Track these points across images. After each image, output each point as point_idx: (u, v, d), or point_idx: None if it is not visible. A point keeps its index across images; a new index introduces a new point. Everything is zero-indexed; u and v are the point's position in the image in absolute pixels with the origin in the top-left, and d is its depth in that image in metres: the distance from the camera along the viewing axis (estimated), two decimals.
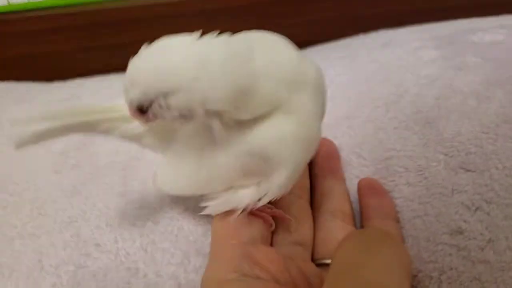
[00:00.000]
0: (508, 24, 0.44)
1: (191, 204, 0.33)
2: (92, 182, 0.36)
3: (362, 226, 0.31)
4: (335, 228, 0.29)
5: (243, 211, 0.26)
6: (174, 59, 0.22)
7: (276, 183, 0.25)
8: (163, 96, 0.22)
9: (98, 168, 0.37)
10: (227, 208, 0.26)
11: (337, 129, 0.37)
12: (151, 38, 0.55)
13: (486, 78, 0.36)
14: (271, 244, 0.29)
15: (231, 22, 0.55)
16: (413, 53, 0.42)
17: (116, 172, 0.36)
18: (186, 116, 0.22)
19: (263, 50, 0.24)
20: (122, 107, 0.26)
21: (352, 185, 0.33)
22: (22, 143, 0.26)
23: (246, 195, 0.26)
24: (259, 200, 0.26)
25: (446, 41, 0.43)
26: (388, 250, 0.21)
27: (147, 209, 0.34)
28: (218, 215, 0.27)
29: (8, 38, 0.51)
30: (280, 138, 0.23)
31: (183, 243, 0.32)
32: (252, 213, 0.27)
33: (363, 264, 0.20)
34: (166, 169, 0.29)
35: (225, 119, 0.23)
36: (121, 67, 0.52)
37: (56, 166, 0.37)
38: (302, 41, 0.54)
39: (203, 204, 0.27)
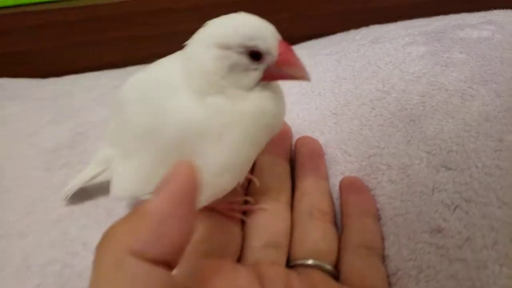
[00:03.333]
0: (496, 20, 0.44)
1: None
2: None
3: (342, 224, 0.31)
4: (311, 228, 0.30)
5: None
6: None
7: None
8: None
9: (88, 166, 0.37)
10: None
11: (324, 126, 0.38)
12: (145, 33, 0.56)
13: (471, 75, 0.37)
14: (243, 248, 0.29)
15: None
16: (402, 49, 0.42)
17: None
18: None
19: None
20: None
21: (337, 182, 0.34)
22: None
23: None
24: None
25: (435, 37, 0.43)
26: None
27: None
28: None
29: (0, 34, 0.52)
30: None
31: None
32: (222, 212, 0.29)
33: None
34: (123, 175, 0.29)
35: None
36: (116, 63, 0.53)
37: (47, 164, 0.38)
38: (294, 37, 0.55)
39: None
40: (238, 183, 0.28)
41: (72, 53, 0.55)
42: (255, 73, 0.25)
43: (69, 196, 0.34)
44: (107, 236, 0.19)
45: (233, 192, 0.31)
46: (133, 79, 0.28)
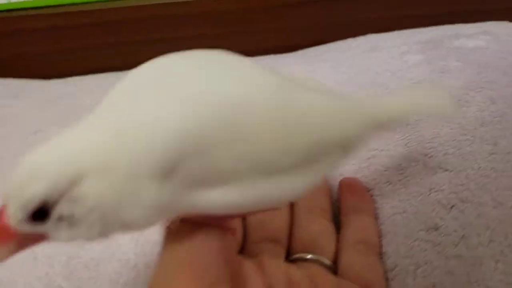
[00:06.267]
0: (491, 31, 0.46)
1: None
2: None
3: (340, 221, 0.32)
4: (311, 224, 0.30)
5: None
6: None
7: None
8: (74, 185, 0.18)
9: None
10: None
11: None
12: (148, 38, 0.57)
13: (466, 83, 0.38)
14: (244, 243, 0.30)
15: (221, 27, 0.57)
16: (399, 57, 0.44)
17: None
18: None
19: None
20: None
21: (336, 183, 0.35)
22: None
23: None
24: None
25: (431, 46, 0.44)
26: None
27: None
28: None
29: (4, 37, 0.53)
30: None
31: None
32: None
33: None
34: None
35: None
36: (119, 66, 0.54)
37: None
38: (291, 45, 0.56)
39: None
40: None
41: (77, 57, 0.55)
42: None
43: None
44: None
45: None
46: None
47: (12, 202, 0.18)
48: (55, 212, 0.18)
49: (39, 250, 0.32)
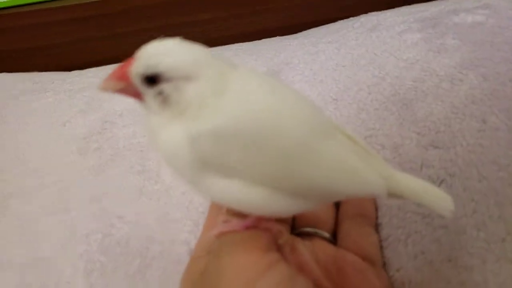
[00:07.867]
0: (492, 4, 0.47)
1: None
2: (113, 163, 0.41)
3: None
4: None
5: None
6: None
7: None
8: (185, 79, 0.24)
9: (118, 150, 0.42)
10: None
11: (325, 111, 0.42)
12: (152, 25, 0.58)
13: (461, 61, 0.40)
14: None
15: (220, 10, 0.59)
16: (398, 37, 0.46)
17: (134, 153, 0.42)
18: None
19: None
20: None
21: None
22: None
23: None
24: None
25: (429, 23, 0.46)
26: None
27: (162, 185, 0.39)
28: None
29: (20, 31, 0.56)
30: None
31: (194, 213, 0.37)
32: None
33: None
34: None
35: None
36: (126, 55, 0.57)
37: (80, 149, 0.43)
38: (293, 25, 0.58)
39: None
40: None
41: (90, 47, 0.58)
42: None
43: None
44: None
45: None
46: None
47: (142, 59, 0.24)
48: (160, 86, 0.24)
49: (78, 229, 0.37)
